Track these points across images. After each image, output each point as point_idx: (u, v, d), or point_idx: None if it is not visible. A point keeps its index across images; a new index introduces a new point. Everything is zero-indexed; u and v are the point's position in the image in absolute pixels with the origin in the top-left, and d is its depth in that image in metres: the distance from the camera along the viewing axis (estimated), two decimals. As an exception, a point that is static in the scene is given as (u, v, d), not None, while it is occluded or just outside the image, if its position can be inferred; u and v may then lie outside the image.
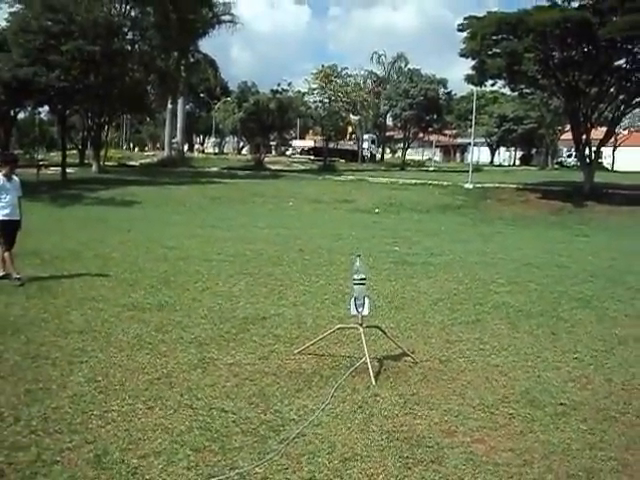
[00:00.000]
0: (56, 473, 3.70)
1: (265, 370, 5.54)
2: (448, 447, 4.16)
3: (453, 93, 61.70)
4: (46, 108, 41.96)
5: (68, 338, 6.25)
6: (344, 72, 52.06)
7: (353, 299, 5.78)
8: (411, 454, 4.03)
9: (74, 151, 40.76)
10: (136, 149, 75.99)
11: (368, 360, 5.46)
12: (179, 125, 52.04)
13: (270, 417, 4.56)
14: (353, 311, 5.80)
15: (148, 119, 63.32)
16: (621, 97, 31.44)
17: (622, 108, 32.49)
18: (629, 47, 28.31)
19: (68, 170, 33.44)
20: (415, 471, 3.83)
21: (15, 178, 9.05)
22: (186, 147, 60.44)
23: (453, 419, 4.62)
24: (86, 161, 40.43)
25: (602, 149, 37.65)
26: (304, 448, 4.09)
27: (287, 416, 4.59)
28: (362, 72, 59.84)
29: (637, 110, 45.23)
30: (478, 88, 40.67)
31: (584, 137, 31.88)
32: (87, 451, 3.96)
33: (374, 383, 5.25)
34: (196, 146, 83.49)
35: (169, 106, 49.42)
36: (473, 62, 31.26)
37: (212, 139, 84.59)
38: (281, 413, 4.64)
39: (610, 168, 61.05)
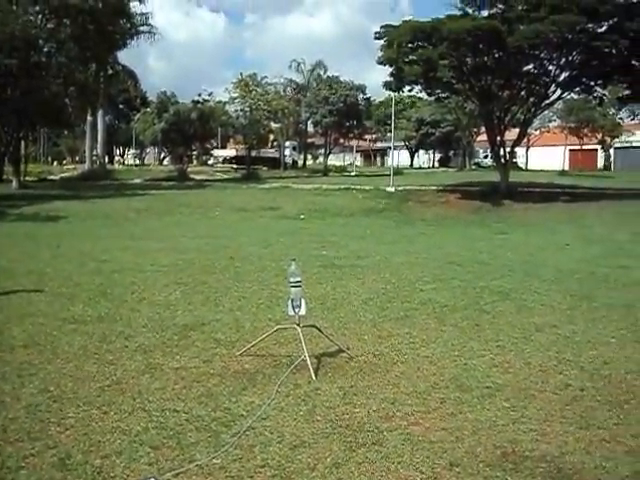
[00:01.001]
0: (23, 477, 3.87)
1: (210, 372, 5.80)
2: (387, 430, 4.53)
3: (372, 99, 62.90)
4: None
5: (13, 353, 6.34)
6: (264, 81, 52.46)
7: (290, 300, 6.09)
8: (354, 438, 4.39)
9: (-11, 166, 39.74)
10: (55, 163, 74.29)
11: (307, 357, 5.78)
12: (99, 137, 51.29)
13: (220, 414, 4.83)
14: (290, 312, 6.10)
15: (66, 132, 62.23)
16: (531, 100, 32.84)
17: (533, 110, 33.92)
18: (536, 53, 29.65)
19: (-14, 187, 32.64)
20: (359, 453, 4.18)
21: None
22: (106, 159, 59.53)
23: (390, 406, 5.00)
24: (4, 177, 39.50)
25: (516, 149, 39.25)
26: (255, 439, 4.39)
27: (236, 412, 4.87)
28: (282, 80, 60.37)
29: (546, 112, 47.36)
30: (396, 94, 41.59)
31: (498, 138, 33.18)
32: (50, 455, 4.14)
33: (314, 378, 5.58)
34: (116, 158, 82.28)
35: (89, 118, 48.71)
36: (391, 69, 32.08)
37: (132, 150, 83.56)
38: (230, 410, 4.92)
39: (524, 167, 63.31)
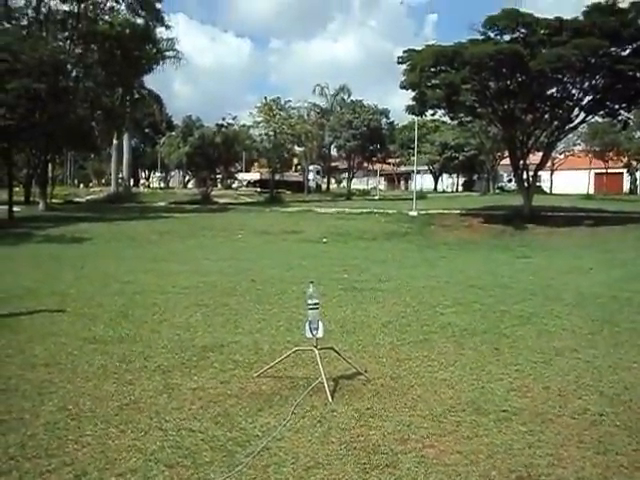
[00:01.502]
0: (39, 493, 3.95)
1: (227, 393, 5.83)
2: (402, 453, 4.52)
3: (395, 123, 63.07)
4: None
5: (35, 371, 6.44)
6: (288, 105, 52.80)
7: (308, 323, 6.12)
8: (368, 460, 4.38)
9: (17, 189, 40.34)
10: (81, 185, 75.27)
11: (324, 379, 5.79)
12: (125, 160, 51.96)
13: (236, 434, 4.85)
14: (308, 334, 6.13)
15: (93, 155, 63.09)
16: (555, 123, 32.76)
17: (556, 134, 33.81)
18: (559, 77, 29.63)
19: (14, 208, 33.13)
20: (373, 475, 4.18)
21: None
22: (132, 182, 60.17)
23: (405, 428, 4.98)
24: (32, 199, 40.10)
25: (540, 173, 39.04)
26: (269, 460, 4.41)
27: (251, 432, 4.89)
28: (306, 104, 60.77)
29: (571, 135, 47.17)
30: (419, 118, 41.69)
31: (522, 162, 33.08)
32: (66, 472, 4.19)
33: (331, 400, 5.58)
34: (142, 181, 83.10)
35: (115, 142, 49.42)
36: (413, 93, 32.22)
37: (157, 173, 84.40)
38: (245, 430, 4.94)
39: (549, 191, 62.93)
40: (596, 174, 68.42)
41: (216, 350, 7.35)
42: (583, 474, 4.23)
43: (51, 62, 32.08)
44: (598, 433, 4.93)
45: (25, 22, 39.32)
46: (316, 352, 6.06)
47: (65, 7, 39.34)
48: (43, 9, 38.98)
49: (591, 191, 62.44)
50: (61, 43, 38.78)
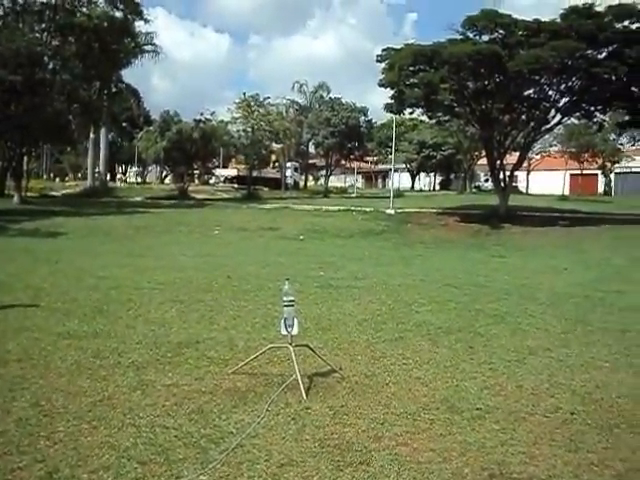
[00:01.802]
0: (9, 490, 3.91)
1: (202, 389, 5.80)
2: (375, 450, 4.54)
3: (373, 121, 63.10)
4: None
5: (7, 367, 6.36)
6: (266, 101, 52.66)
7: (283, 320, 6.12)
8: (342, 458, 4.39)
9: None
10: (57, 179, 74.52)
11: (299, 377, 5.79)
12: (102, 155, 51.50)
13: (210, 431, 4.84)
14: (283, 331, 6.13)
15: (69, 149, 62.49)
16: (531, 124, 33.07)
17: (533, 134, 34.12)
18: (536, 78, 29.91)
19: (-12, 202, 32.77)
20: (346, 472, 4.19)
21: None
22: (108, 177, 59.73)
23: (379, 426, 5.00)
24: (6, 192, 39.66)
25: (517, 173, 39.35)
26: (243, 457, 4.40)
27: (225, 429, 4.88)
28: (284, 101, 60.66)
29: (547, 136, 47.59)
30: (397, 116, 41.82)
31: (498, 162, 33.32)
32: (38, 469, 4.14)
33: (305, 397, 5.58)
34: (118, 175, 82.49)
35: (91, 136, 49.01)
36: (392, 92, 32.31)
37: (134, 168, 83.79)
38: (220, 427, 4.92)
39: (525, 191, 63.41)
40: (571, 175, 69.00)
41: (191, 346, 7.32)
42: (554, 472, 4.28)
43: (27, 54, 31.76)
44: (570, 431, 4.99)
45: (1, 13, 38.86)
46: (291, 349, 6.07)
47: (42, -2, 38.98)
48: (20, 0, 38.55)
49: (566, 192, 62.93)
50: (38, 35, 38.36)
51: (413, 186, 77.10)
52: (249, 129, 50.88)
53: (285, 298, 6.08)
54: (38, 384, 5.84)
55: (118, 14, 40.87)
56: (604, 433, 4.98)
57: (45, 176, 72.37)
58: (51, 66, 38.30)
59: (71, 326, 8.18)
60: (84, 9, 39.67)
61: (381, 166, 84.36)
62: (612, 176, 70.15)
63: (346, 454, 4.46)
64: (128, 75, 59.95)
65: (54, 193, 48.06)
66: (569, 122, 42.39)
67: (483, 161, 48.40)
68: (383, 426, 5.01)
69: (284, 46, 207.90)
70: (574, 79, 30.44)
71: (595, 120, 35.01)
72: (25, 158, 42.25)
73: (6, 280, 11.95)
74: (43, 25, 39.11)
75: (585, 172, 67.96)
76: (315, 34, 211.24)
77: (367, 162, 77.52)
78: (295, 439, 4.73)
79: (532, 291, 12.32)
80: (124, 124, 72.28)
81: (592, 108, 32.58)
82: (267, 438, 4.73)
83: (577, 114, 34.29)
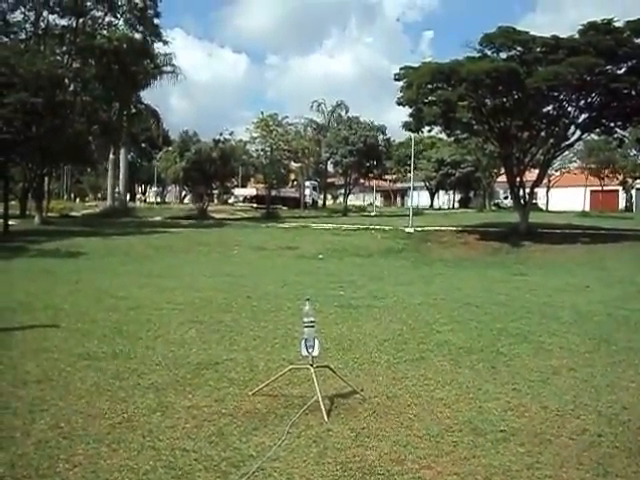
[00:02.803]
0: (29, 514, 3.87)
1: (222, 411, 5.75)
2: (398, 474, 4.46)
3: (392, 139, 63.04)
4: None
5: (26, 388, 6.35)
6: (285, 120, 52.79)
7: (304, 340, 6.07)
8: (364, 482, 4.33)
9: (13, 202, 40.29)
10: (77, 200, 75.24)
11: (320, 398, 5.72)
12: (121, 175, 51.90)
13: (230, 454, 4.78)
14: (304, 352, 6.08)
15: (89, 169, 63.05)
16: (551, 141, 32.86)
17: (552, 151, 33.90)
18: (555, 94, 29.78)
19: (10, 222, 33.03)
20: (368, 496, 4.12)
21: None
22: (128, 197, 60.13)
23: (402, 449, 4.92)
24: (27, 212, 40.03)
25: (536, 190, 39.11)
26: (264, 480, 4.35)
27: (246, 452, 4.82)
28: (302, 120, 60.87)
29: (567, 153, 47.36)
30: (416, 134, 41.82)
31: (518, 179, 33.13)
32: (57, 493, 4.14)
33: (326, 419, 5.51)
34: (138, 195, 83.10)
35: (111, 156, 49.40)
36: (410, 110, 32.32)
37: (154, 188, 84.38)
38: (240, 450, 4.86)
39: (545, 208, 63.09)
40: (592, 191, 68.66)
41: (211, 367, 7.28)
42: (582, 497, 4.17)
43: (48, 76, 32.07)
44: (597, 454, 4.88)
45: (23, 36, 39.55)
46: (312, 370, 6.00)
47: (63, 22, 39.72)
48: (41, 23, 39.26)
49: (587, 208, 62.57)
50: (59, 57, 38.92)
51: (432, 204, 76.92)
52: (268, 148, 50.96)
53: (305, 319, 6.04)
54: (58, 406, 5.82)
55: (137, 36, 41.37)
56: (633, 456, 4.85)
57: (65, 196, 73.08)
58: (72, 88, 38.75)
59: (90, 347, 8.17)
60: (104, 32, 40.24)
61: (400, 184, 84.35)
62: (633, 192, 69.65)
63: (368, 477, 4.39)
64: (147, 96, 60.27)
65: (74, 213, 48.43)
66: (589, 138, 42.15)
67: (502, 178, 48.26)
68: (406, 448, 4.93)
69: (301, 65, 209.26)
70: (593, 95, 30.29)
71: (615, 136, 34.75)
72: (46, 179, 42.69)
73: (26, 300, 11.99)
74: (64, 48, 39.73)
75: (605, 188, 67.55)
76: (332, 53, 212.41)
77: (386, 180, 77.43)
78: (317, 462, 4.66)
79: (554, 309, 12.16)
80: (143, 144, 73.02)
81: (612, 124, 32.36)
82: (288, 461, 4.67)
83: (597, 130, 34.12)
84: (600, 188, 67.24)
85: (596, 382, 6.91)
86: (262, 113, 51.04)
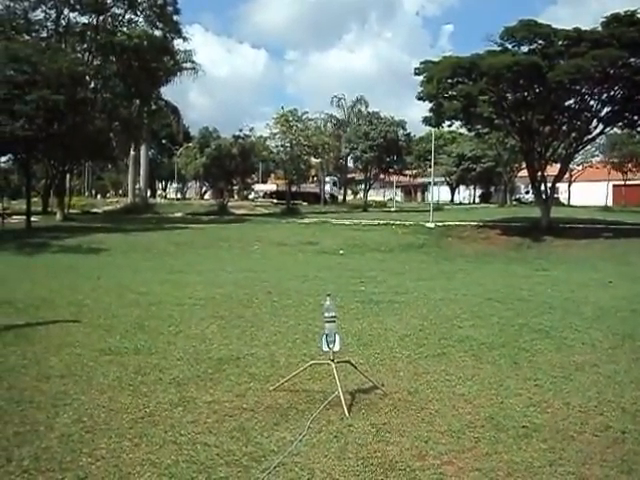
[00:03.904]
0: (52, 507, 3.90)
1: (243, 406, 5.77)
2: (420, 469, 4.45)
3: (412, 134, 62.84)
4: (7, 157, 41.84)
5: (50, 382, 6.42)
6: (304, 116, 52.70)
7: (325, 336, 6.06)
8: (385, 477, 4.31)
9: (35, 199, 40.66)
10: (98, 196, 75.74)
11: (341, 393, 5.72)
12: (142, 171, 52.18)
13: (251, 449, 4.79)
14: (325, 347, 6.07)
15: (110, 166, 63.44)
16: (573, 135, 32.56)
17: (574, 145, 33.58)
18: (577, 88, 29.46)
19: (32, 218, 33.35)
20: (390, 492, 4.11)
21: None
22: (149, 193, 60.44)
23: (423, 444, 4.90)
24: (49, 209, 40.39)
25: (558, 185, 38.79)
26: (285, 475, 4.34)
27: (267, 447, 4.83)
28: (322, 116, 60.78)
29: (589, 147, 46.91)
30: (436, 129, 41.62)
31: (539, 174, 32.87)
32: (80, 486, 4.17)
33: (347, 415, 5.51)
34: (159, 192, 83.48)
35: (132, 153, 49.68)
36: (430, 104, 32.16)
37: (174, 184, 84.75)
38: (261, 445, 4.87)
39: (567, 203, 62.58)
40: (614, 186, 67.94)
41: (232, 363, 7.30)
42: (606, 494, 4.13)
43: (70, 74, 32.28)
44: (621, 451, 4.83)
45: (44, 34, 39.82)
46: (333, 365, 6.00)
47: (84, 19, 39.89)
48: (62, 21, 39.49)
49: (609, 203, 62.02)
50: (80, 55, 39.13)
51: (452, 199, 76.68)
52: (288, 144, 50.90)
53: (326, 314, 6.03)
54: (80, 400, 5.87)
55: (157, 33, 41.44)
56: (658, 453, 4.80)
57: (87, 193, 73.52)
58: (92, 85, 39.04)
59: (112, 342, 8.23)
60: (124, 29, 40.34)
61: (420, 179, 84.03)
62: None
63: (390, 473, 4.38)
64: (167, 92, 60.42)
65: (95, 210, 48.77)
66: (611, 132, 41.65)
67: (523, 173, 47.94)
68: (427, 444, 4.91)
69: (321, 61, 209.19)
70: (616, 88, 29.94)
71: (638, 129, 34.35)
72: (67, 176, 43.06)
73: (49, 296, 12.11)
74: (85, 45, 39.95)
75: (629, 183, 66.84)
76: (351, 48, 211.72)
77: (406, 176, 77.09)
78: (338, 457, 4.65)
79: (577, 305, 12.05)
80: (164, 141, 73.27)
81: (635, 117, 32.00)
82: (309, 456, 4.67)
83: (620, 124, 33.72)
84: (623, 182, 66.50)
85: (620, 378, 6.83)
86: (282, 108, 51.01)
